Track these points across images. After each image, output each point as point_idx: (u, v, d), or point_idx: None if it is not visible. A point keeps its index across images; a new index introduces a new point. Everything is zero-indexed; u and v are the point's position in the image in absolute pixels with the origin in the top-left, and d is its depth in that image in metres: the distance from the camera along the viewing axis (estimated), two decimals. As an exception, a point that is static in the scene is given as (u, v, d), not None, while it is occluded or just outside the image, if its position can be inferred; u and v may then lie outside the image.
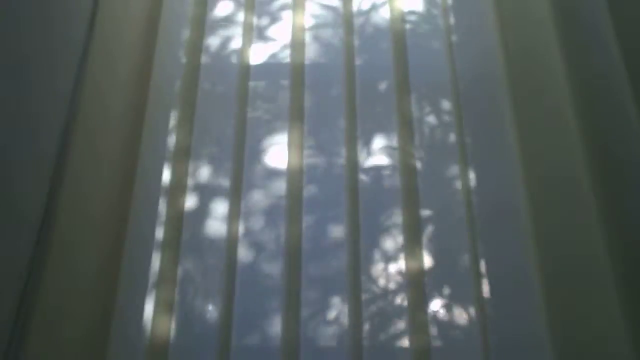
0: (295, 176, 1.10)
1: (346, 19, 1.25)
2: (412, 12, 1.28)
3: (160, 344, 0.98)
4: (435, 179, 1.13)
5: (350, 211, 1.07)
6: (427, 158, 1.14)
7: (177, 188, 1.09)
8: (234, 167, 1.12)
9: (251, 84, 1.20)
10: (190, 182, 1.11)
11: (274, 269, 1.05)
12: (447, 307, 1.02)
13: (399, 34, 1.23)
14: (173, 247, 1.04)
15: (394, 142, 1.14)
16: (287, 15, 1.28)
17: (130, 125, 1.11)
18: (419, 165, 1.12)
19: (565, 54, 1.05)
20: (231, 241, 1.05)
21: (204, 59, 1.22)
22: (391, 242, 1.07)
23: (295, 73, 1.20)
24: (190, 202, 1.10)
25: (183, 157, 1.12)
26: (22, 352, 0.87)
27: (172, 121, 1.16)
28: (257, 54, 1.25)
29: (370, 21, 1.27)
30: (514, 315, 0.98)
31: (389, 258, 1.06)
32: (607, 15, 1.05)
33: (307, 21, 1.26)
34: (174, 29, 1.23)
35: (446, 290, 1.03)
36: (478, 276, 1.02)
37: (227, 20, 1.28)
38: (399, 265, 1.05)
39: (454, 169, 1.12)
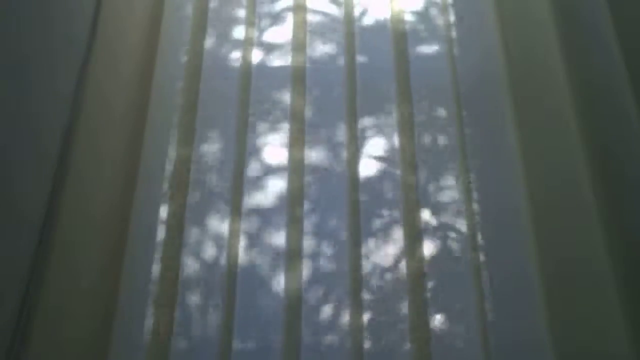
0: (296, 176, 1.10)
1: (347, 20, 1.25)
2: (412, 13, 1.28)
3: (162, 344, 0.98)
4: (435, 179, 1.13)
5: (351, 211, 1.07)
6: (427, 158, 1.14)
7: (179, 188, 1.09)
8: (235, 167, 1.12)
9: (253, 84, 1.20)
10: (191, 181, 1.11)
11: (274, 269, 1.05)
12: (448, 307, 1.02)
13: (400, 35, 1.23)
14: (174, 247, 1.05)
15: (395, 142, 1.14)
16: (288, 16, 1.28)
17: (132, 125, 1.11)
18: (419, 165, 1.12)
19: (566, 54, 1.05)
20: (232, 241, 1.05)
21: (205, 59, 1.22)
22: (392, 243, 1.07)
23: (296, 73, 1.20)
24: (191, 201, 1.10)
25: (185, 157, 1.12)
26: (24, 352, 0.87)
27: (174, 121, 1.16)
28: (259, 55, 1.25)
29: (370, 22, 1.27)
30: (514, 316, 0.98)
31: (389, 259, 1.06)
32: (608, 15, 1.05)
33: (308, 22, 1.26)
34: (176, 29, 1.23)
35: (446, 291, 1.03)
36: (478, 276, 1.02)
37: (229, 21, 1.28)
38: (400, 266, 1.05)
39: (455, 170, 1.12)
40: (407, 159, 1.11)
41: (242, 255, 1.06)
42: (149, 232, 1.06)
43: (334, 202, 1.10)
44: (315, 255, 1.06)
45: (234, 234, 1.06)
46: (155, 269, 1.03)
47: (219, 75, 1.22)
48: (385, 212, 1.09)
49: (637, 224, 0.90)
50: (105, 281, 0.99)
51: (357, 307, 1.00)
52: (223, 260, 1.05)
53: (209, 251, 1.07)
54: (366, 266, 1.04)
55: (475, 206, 1.08)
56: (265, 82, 1.22)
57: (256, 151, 1.15)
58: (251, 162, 1.14)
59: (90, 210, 1.01)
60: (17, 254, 0.90)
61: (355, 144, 1.13)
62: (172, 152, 1.13)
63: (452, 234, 1.07)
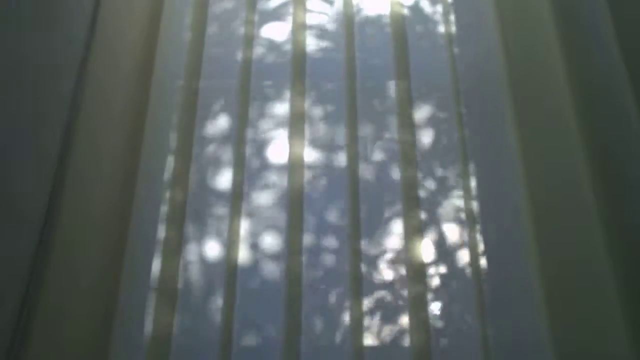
0: (296, 173, 1.10)
1: (347, 16, 1.25)
2: (412, 11, 1.28)
3: (162, 343, 0.98)
4: (435, 177, 1.13)
5: (351, 208, 1.08)
6: (427, 157, 1.14)
7: (179, 186, 1.09)
8: (235, 165, 1.12)
9: (252, 80, 1.20)
10: (192, 180, 1.11)
11: (275, 267, 1.05)
12: (448, 306, 1.02)
13: (400, 32, 1.23)
14: (175, 246, 1.05)
15: (395, 139, 1.15)
16: (288, 12, 1.28)
17: (132, 124, 1.11)
18: (419, 163, 1.12)
19: (566, 54, 1.05)
20: (232, 239, 1.06)
21: (205, 56, 1.22)
22: (392, 241, 1.07)
23: (296, 69, 1.20)
24: (191, 200, 1.10)
25: (185, 155, 1.12)
26: (25, 352, 0.87)
27: (174, 119, 1.16)
28: (259, 51, 1.25)
29: (370, 20, 1.27)
30: (514, 316, 0.98)
31: (389, 257, 1.06)
32: (607, 15, 1.06)
33: (308, 18, 1.26)
34: (176, 26, 1.23)
35: (447, 290, 1.03)
36: (478, 276, 1.02)
37: (229, 17, 1.28)
38: (400, 264, 1.06)
39: (455, 168, 1.12)
40: (407, 158, 1.11)
41: (243, 254, 1.06)
42: (149, 232, 1.06)
43: (334, 200, 1.10)
44: (315, 254, 1.06)
45: (234, 232, 1.06)
46: (156, 268, 1.03)
47: (218, 73, 1.22)
48: (385, 211, 1.10)
49: (637, 224, 0.90)
50: (105, 281, 0.99)
51: (357, 305, 1.01)
52: (223, 260, 1.05)
53: (209, 250, 1.07)
54: (366, 265, 1.05)
55: (475, 206, 1.08)
56: (266, 78, 1.22)
57: (256, 149, 1.15)
58: (251, 160, 1.14)
59: (90, 210, 1.01)
60: (17, 254, 0.90)
61: (355, 141, 1.13)
62: (171, 151, 1.13)
63: (452, 234, 1.07)
